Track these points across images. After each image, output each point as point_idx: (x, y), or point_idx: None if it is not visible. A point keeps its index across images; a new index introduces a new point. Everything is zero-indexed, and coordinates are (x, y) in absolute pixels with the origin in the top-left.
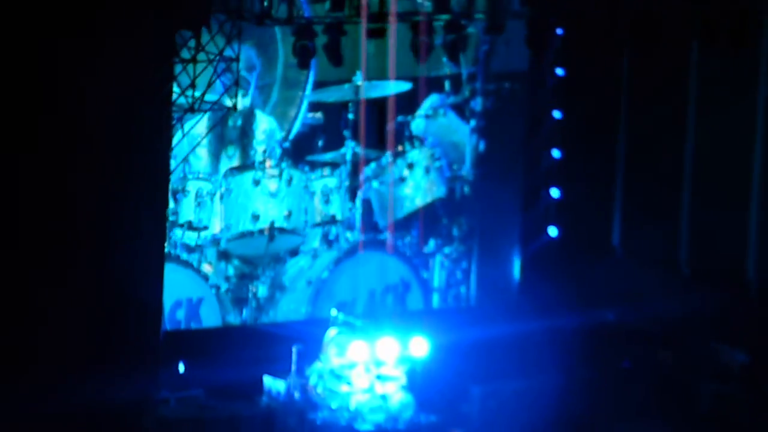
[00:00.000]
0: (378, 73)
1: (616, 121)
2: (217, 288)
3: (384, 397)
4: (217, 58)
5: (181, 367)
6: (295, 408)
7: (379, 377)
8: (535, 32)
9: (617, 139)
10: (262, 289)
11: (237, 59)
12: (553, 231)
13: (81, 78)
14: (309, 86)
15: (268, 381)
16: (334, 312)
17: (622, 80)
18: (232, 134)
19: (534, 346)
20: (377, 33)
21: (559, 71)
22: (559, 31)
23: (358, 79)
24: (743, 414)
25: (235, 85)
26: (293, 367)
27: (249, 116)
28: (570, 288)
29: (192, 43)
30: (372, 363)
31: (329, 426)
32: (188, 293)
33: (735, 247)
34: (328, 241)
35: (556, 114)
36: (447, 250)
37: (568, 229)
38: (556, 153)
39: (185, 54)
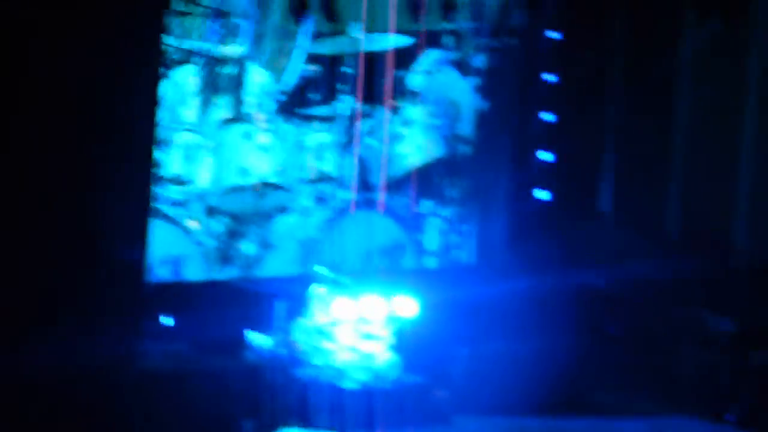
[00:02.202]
0: (376, 26)
1: (608, 87)
2: (203, 245)
3: (369, 356)
4: (211, 11)
5: (165, 320)
6: (279, 364)
7: (364, 335)
8: None
9: (609, 103)
10: (250, 247)
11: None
12: (542, 193)
13: (72, 29)
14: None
15: (252, 336)
16: (319, 269)
17: (615, 45)
18: (223, 83)
19: (520, 309)
20: None
21: (554, 34)
22: None
23: (356, 31)
24: (726, 381)
25: (229, 37)
26: (278, 323)
27: (242, 66)
28: (557, 251)
29: None
30: (358, 321)
31: (313, 383)
32: (172, 250)
33: (724, 214)
34: (319, 199)
35: (550, 77)
36: (444, 212)
37: (557, 192)
38: (548, 116)
39: (179, 6)
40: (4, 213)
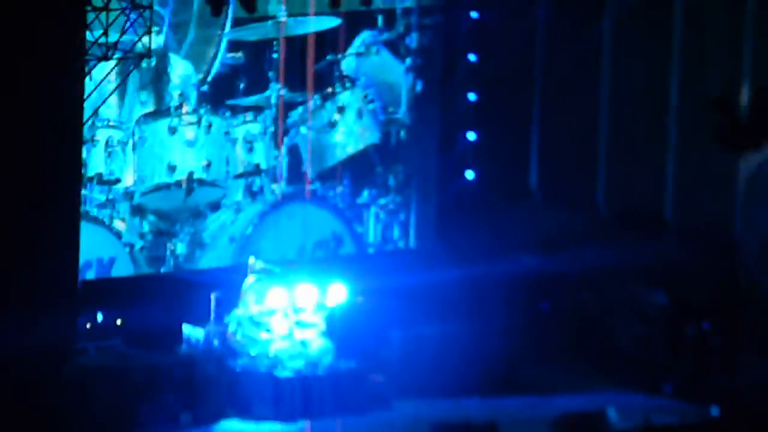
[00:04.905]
0: (304, 8)
1: (532, 63)
2: (131, 246)
3: (303, 344)
4: (129, 5)
5: (99, 317)
6: (215, 356)
7: (298, 324)
8: None
9: (533, 81)
10: (180, 247)
11: (150, 6)
12: (470, 174)
13: None
14: (228, 24)
15: (187, 329)
16: (252, 259)
17: (537, 22)
18: (145, 77)
19: (453, 290)
20: None
21: (474, 13)
22: None
23: (282, 14)
24: (662, 354)
25: (148, 33)
26: (212, 315)
27: (163, 58)
28: (488, 232)
29: None
30: (291, 309)
31: (249, 373)
32: (99, 252)
33: (653, 188)
34: (251, 193)
35: (472, 57)
36: (382, 200)
37: (485, 173)
38: (471, 96)
39: (97, 2)
40: None
